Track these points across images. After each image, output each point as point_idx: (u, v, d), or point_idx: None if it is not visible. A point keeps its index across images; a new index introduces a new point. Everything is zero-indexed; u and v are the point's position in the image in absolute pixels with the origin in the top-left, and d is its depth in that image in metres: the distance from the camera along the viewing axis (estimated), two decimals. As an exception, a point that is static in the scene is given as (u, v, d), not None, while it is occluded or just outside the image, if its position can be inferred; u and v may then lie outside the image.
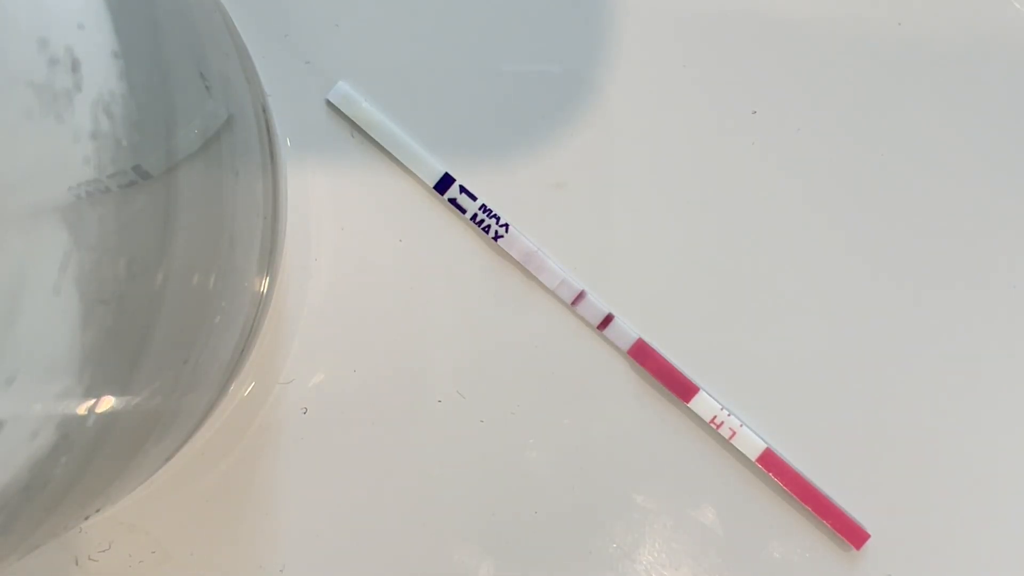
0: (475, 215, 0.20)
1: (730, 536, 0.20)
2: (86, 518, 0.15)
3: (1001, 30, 0.20)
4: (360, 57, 0.20)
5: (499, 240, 0.20)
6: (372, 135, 0.20)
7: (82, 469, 0.12)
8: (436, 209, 0.20)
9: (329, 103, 0.20)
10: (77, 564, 0.20)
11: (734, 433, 0.20)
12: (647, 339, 0.20)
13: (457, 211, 0.20)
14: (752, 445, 0.20)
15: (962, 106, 0.20)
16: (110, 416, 0.12)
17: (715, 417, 0.20)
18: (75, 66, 0.11)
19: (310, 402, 0.20)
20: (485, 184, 0.20)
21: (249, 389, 0.20)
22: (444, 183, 0.20)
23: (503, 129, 0.20)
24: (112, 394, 0.12)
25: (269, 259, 0.18)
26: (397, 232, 0.20)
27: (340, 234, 0.20)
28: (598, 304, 0.20)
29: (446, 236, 0.20)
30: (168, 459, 0.19)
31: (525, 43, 0.20)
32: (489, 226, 0.20)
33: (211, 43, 0.15)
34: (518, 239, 0.20)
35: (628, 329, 0.20)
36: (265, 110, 0.18)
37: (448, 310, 0.20)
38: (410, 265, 0.20)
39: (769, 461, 0.20)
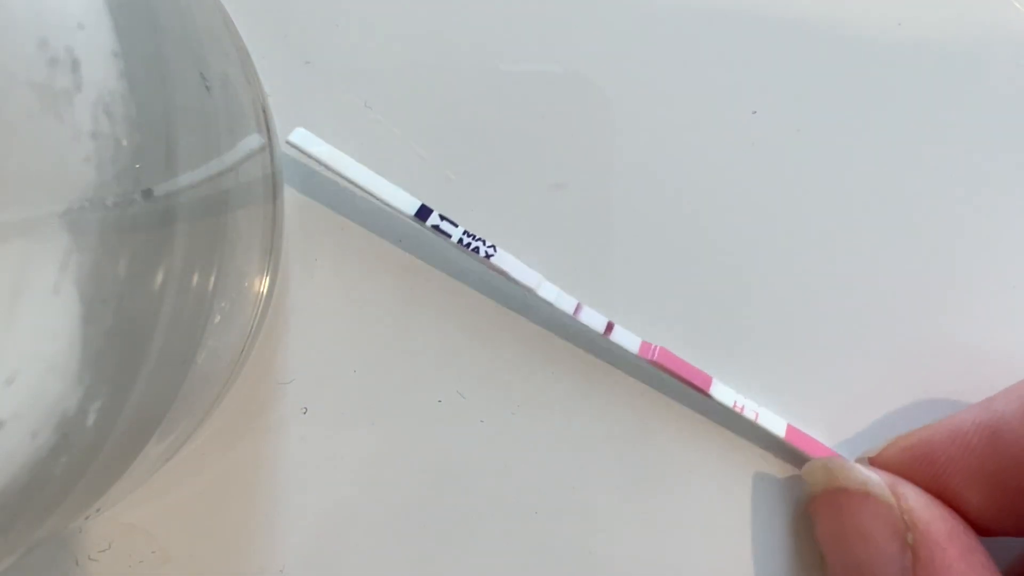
0: (460, 239, 0.19)
1: (732, 532, 0.20)
2: (86, 518, 0.15)
3: (1001, 30, 0.20)
4: (360, 57, 0.20)
5: (491, 258, 0.19)
6: (344, 175, 0.19)
7: (82, 469, 0.12)
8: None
9: (289, 144, 0.19)
10: (77, 564, 0.20)
11: (757, 415, 0.20)
12: (648, 339, 0.20)
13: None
14: (776, 423, 0.20)
15: (962, 106, 0.20)
16: (110, 416, 0.12)
17: (736, 402, 0.20)
18: (75, 66, 0.11)
19: (310, 402, 0.20)
20: (484, 184, 0.20)
21: (249, 389, 0.20)
22: (423, 213, 0.19)
23: (503, 129, 0.20)
24: (112, 394, 0.12)
25: (269, 259, 0.18)
26: (397, 232, 0.20)
27: (340, 234, 0.20)
28: (597, 314, 0.20)
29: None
30: (168, 459, 0.19)
31: (525, 43, 0.20)
32: (478, 248, 0.19)
33: (211, 43, 0.15)
34: (508, 258, 0.19)
35: (630, 334, 0.20)
36: (265, 110, 0.18)
37: (448, 310, 0.20)
38: (410, 265, 0.20)
39: (793, 435, 0.20)
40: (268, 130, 0.18)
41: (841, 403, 0.20)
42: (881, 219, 0.20)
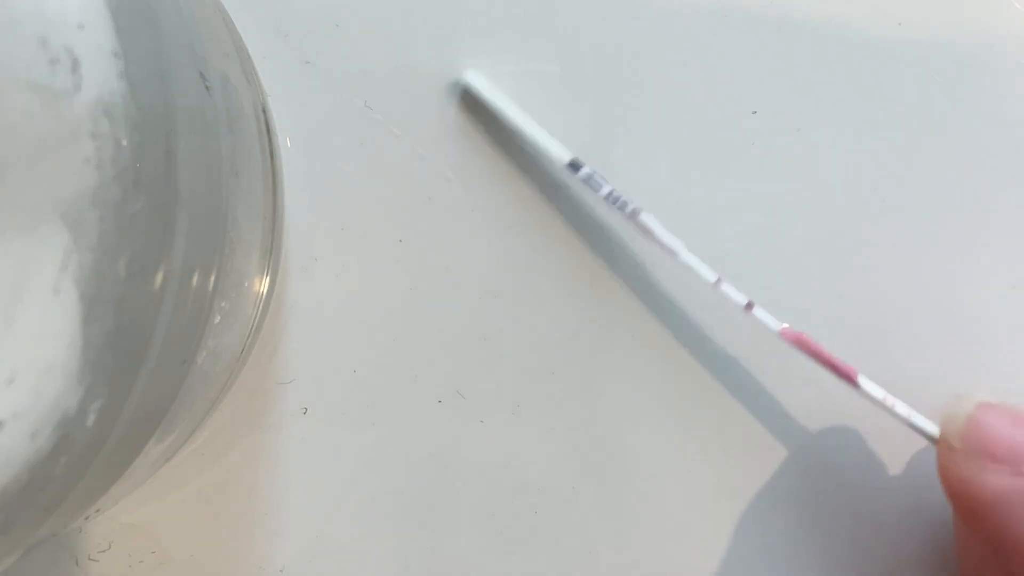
0: (610, 193, 0.19)
1: (733, 532, 0.20)
2: (86, 518, 0.15)
3: (1001, 30, 0.20)
4: (360, 57, 0.20)
5: (640, 215, 0.19)
6: (508, 119, 0.20)
7: (82, 469, 0.12)
8: (435, 210, 0.20)
9: (465, 89, 0.20)
10: (77, 564, 0.20)
11: (910, 414, 0.18)
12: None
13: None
14: (928, 424, 0.18)
15: (962, 106, 0.20)
16: (110, 416, 0.12)
17: (886, 397, 0.18)
18: (75, 66, 0.11)
19: (310, 402, 0.20)
20: (484, 184, 0.20)
21: (249, 389, 0.20)
22: (574, 166, 0.19)
23: (502, 129, 0.20)
24: (112, 394, 0.12)
25: (269, 259, 0.18)
26: (397, 232, 0.20)
27: (340, 234, 0.20)
28: (736, 291, 0.19)
29: (447, 236, 0.20)
30: (168, 459, 0.19)
31: (525, 43, 0.20)
32: (626, 203, 0.19)
33: (211, 43, 0.15)
34: (654, 219, 0.19)
35: (771, 317, 0.19)
36: (265, 110, 0.18)
37: (448, 310, 0.20)
38: (410, 265, 0.20)
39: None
40: (268, 130, 0.18)
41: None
42: (881, 219, 0.20)
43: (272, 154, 0.18)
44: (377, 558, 0.20)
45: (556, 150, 0.19)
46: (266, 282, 0.19)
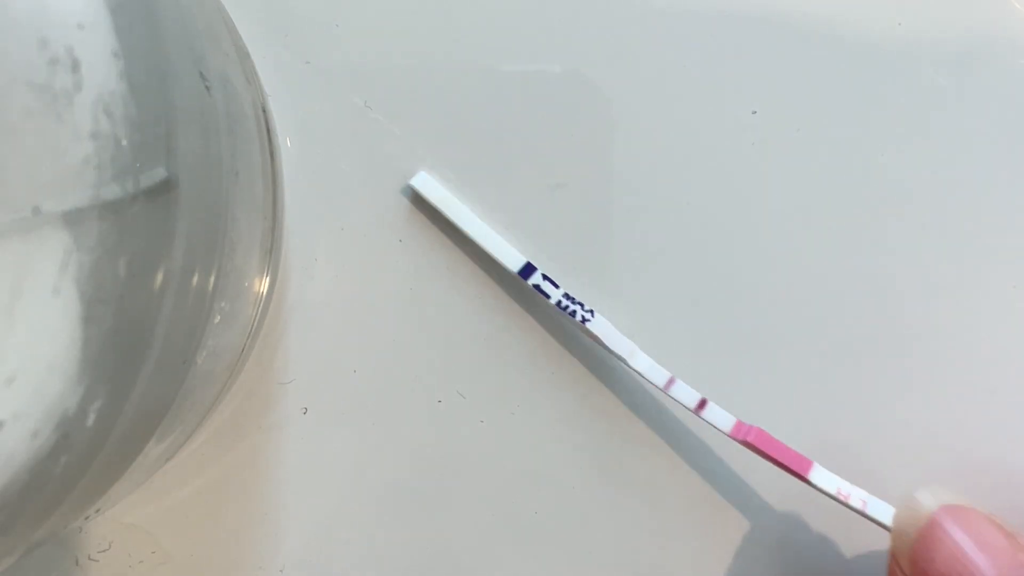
0: (559, 301, 0.19)
1: (731, 532, 0.20)
2: (86, 518, 0.15)
3: (1001, 30, 0.20)
4: (360, 57, 0.20)
5: (587, 323, 0.19)
6: (454, 221, 0.20)
7: (82, 469, 0.12)
8: (435, 211, 0.20)
9: (411, 188, 0.20)
10: (77, 564, 0.20)
11: (865, 503, 0.18)
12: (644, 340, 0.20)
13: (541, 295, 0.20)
14: (886, 512, 0.17)
15: (962, 106, 0.20)
16: (110, 416, 0.12)
17: (840, 489, 0.18)
18: (75, 66, 0.11)
19: (310, 402, 0.20)
20: (484, 184, 0.20)
21: (249, 389, 0.20)
22: (526, 271, 0.19)
23: (503, 129, 0.20)
24: (112, 394, 0.12)
25: (269, 259, 0.18)
26: (397, 232, 0.20)
27: (340, 234, 0.20)
28: (690, 390, 0.19)
29: (446, 238, 0.20)
30: (168, 459, 0.19)
31: (525, 43, 0.20)
32: (575, 312, 0.19)
33: (211, 43, 0.15)
34: (604, 324, 0.19)
35: (724, 413, 0.19)
36: (265, 110, 0.18)
37: (448, 310, 0.20)
38: (410, 265, 0.20)
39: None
40: (268, 130, 0.18)
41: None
42: (881, 219, 0.20)
43: (272, 154, 0.18)
44: (377, 558, 0.20)
45: (506, 257, 0.19)
46: (266, 282, 0.19)
